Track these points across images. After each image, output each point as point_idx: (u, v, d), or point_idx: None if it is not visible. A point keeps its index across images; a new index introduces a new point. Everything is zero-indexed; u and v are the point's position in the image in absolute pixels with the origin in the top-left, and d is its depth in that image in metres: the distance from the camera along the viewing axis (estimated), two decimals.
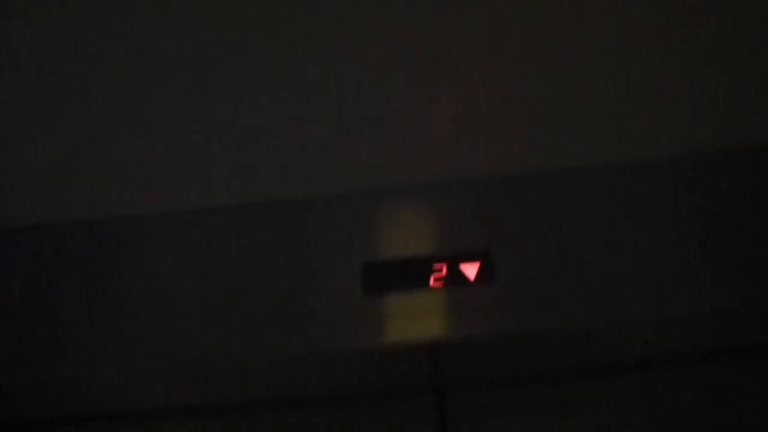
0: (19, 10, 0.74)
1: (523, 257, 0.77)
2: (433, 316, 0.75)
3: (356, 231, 0.81)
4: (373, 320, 0.74)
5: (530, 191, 0.81)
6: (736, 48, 0.79)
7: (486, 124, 0.81)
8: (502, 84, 0.80)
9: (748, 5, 0.76)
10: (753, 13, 0.76)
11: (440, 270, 0.77)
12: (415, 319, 0.75)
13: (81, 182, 0.83)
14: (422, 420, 0.74)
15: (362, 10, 0.76)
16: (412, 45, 0.79)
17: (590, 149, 0.83)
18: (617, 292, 0.74)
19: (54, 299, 0.78)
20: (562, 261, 0.77)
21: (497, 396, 0.75)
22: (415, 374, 0.75)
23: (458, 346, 0.73)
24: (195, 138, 0.81)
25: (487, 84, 0.80)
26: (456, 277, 0.76)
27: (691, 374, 0.76)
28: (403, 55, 0.79)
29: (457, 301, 0.75)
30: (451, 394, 0.76)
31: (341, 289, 0.76)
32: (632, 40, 0.79)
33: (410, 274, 0.77)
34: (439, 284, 0.76)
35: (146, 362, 0.74)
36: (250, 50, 0.78)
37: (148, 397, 0.77)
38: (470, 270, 0.77)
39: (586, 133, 0.82)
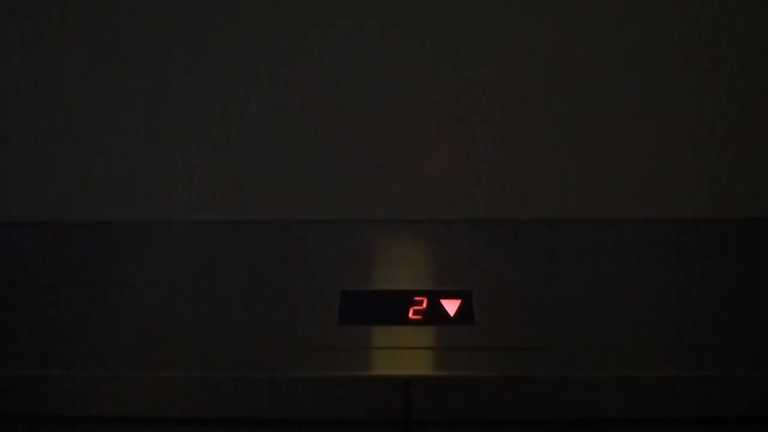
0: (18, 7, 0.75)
1: (505, 301, 0.77)
2: (409, 351, 0.74)
3: (339, 259, 0.81)
4: (347, 350, 0.73)
5: (519, 237, 0.82)
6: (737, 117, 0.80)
7: (481, 166, 0.82)
8: (499, 130, 0.81)
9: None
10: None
11: (420, 303, 0.76)
12: (391, 351, 0.74)
13: (82, 184, 0.84)
14: None
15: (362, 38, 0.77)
16: (409, 79, 0.80)
17: (583, 203, 0.84)
18: (597, 346, 0.73)
19: (49, 299, 0.78)
20: (544, 310, 0.76)
21: None
22: (385, 407, 0.73)
23: (431, 383, 0.72)
24: (193, 151, 0.82)
25: (485, 128, 0.81)
26: (436, 312, 0.76)
27: None
28: (402, 89, 0.80)
29: (435, 337, 0.75)
30: (419, 430, 0.74)
31: (319, 316, 0.76)
32: (631, 98, 0.80)
33: (389, 305, 0.76)
34: (418, 318, 0.75)
35: (126, 371, 0.73)
36: (248, 69, 0.79)
37: (127, 405, 0.75)
38: (451, 307, 0.76)
39: (581, 187, 0.83)
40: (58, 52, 0.79)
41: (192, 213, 0.84)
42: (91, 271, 0.80)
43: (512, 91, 0.80)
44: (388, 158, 0.82)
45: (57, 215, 0.84)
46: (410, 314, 0.76)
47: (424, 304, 0.76)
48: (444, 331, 0.75)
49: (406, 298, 0.77)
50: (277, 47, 0.78)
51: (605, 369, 0.72)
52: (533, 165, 0.82)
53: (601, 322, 0.75)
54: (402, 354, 0.73)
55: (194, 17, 0.77)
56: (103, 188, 0.84)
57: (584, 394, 0.73)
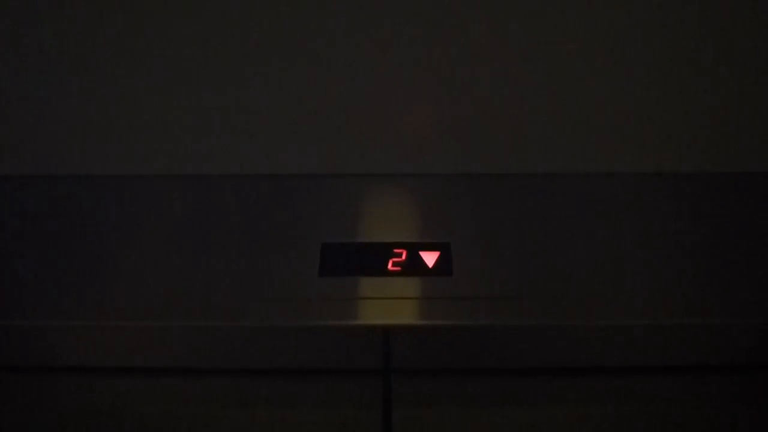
0: None
1: (483, 253, 0.78)
2: (388, 301, 0.75)
3: (319, 212, 0.81)
4: (328, 301, 0.75)
5: (497, 191, 0.83)
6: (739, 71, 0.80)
7: (459, 121, 0.82)
8: (480, 80, 0.81)
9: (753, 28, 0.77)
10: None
11: (399, 255, 0.77)
12: (370, 303, 0.75)
13: (73, 138, 0.84)
14: (368, 400, 0.74)
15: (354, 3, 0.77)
16: (395, 35, 0.80)
17: (562, 157, 0.85)
18: (573, 296, 0.75)
19: (38, 252, 0.79)
20: (521, 262, 0.78)
21: (442, 384, 0.75)
22: (365, 356, 0.75)
23: (410, 332, 0.74)
24: (180, 105, 0.82)
25: (462, 82, 0.81)
26: (414, 264, 0.77)
27: (633, 385, 0.76)
28: (388, 47, 0.81)
29: (413, 288, 0.76)
30: (398, 378, 0.76)
31: (299, 268, 0.77)
32: (627, 49, 0.81)
33: (369, 257, 0.78)
34: (397, 269, 0.77)
35: (111, 320, 0.74)
36: (241, 31, 0.79)
37: (105, 355, 0.76)
38: (429, 259, 0.77)
39: (559, 141, 0.84)
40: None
41: (176, 167, 0.84)
42: (78, 223, 0.81)
43: (492, 43, 0.80)
44: (367, 113, 0.83)
45: (47, 169, 0.84)
46: (389, 266, 0.77)
47: (404, 256, 0.77)
48: (423, 282, 0.76)
49: (386, 251, 0.78)
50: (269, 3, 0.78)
51: (581, 318, 0.74)
52: (512, 119, 0.83)
53: (578, 273, 0.77)
54: (381, 304, 0.75)
55: None
56: (91, 142, 0.84)
57: (560, 342, 0.75)
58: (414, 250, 0.78)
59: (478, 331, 0.74)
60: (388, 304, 0.75)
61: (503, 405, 0.75)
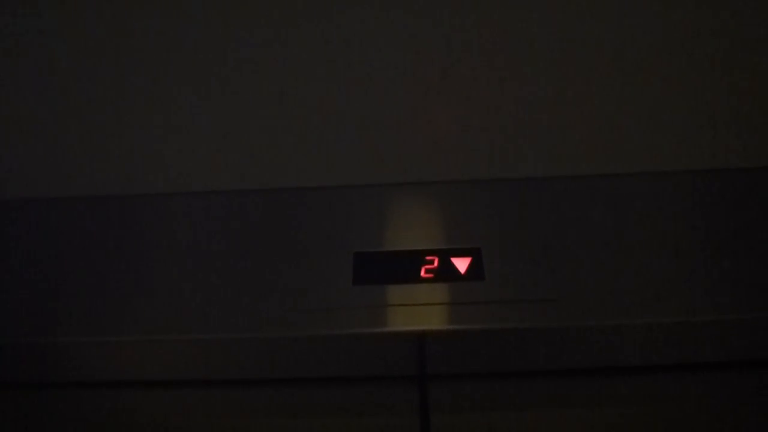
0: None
1: (514, 257, 0.79)
2: (422, 307, 0.76)
3: (351, 223, 0.82)
4: (362, 308, 0.75)
5: (527, 195, 0.84)
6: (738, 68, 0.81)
7: (488, 126, 0.83)
8: (504, 87, 0.82)
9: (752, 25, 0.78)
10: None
11: (432, 262, 0.78)
12: (404, 309, 0.76)
13: (91, 160, 0.86)
14: (405, 407, 0.75)
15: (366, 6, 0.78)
16: (420, 44, 0.81)
17: (590, 158, 0.85)
18: (605, 296, 0.75)
19: (59, 272, 0.81)
20: (552, 263, 0.78)
21: (478, 389, 0.75)
22: (401, 363, 0.76)
23: (444, 337, 0.74)
24: (202, 122, 0.84)
25: (489, 86, 0.82)
26: (447, 270, 0.78)
27: (682, 383, 0.77)
28: (410, 54, 0.81)
29: (446, 294, 0.77)
30: (434, 384, 0.76)
31: (333, 278, 0.78)
32: (638, 51, 0.81)
33: (401, 265, 0.78)
34: (430, 276, 0.77)
35: (144, 336, 0.76)
36: (249, 41, 0.80)
37: (140, 369, 0.78)
38: (461, 264, 0.78)
39: (587, 142, 0.84)
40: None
41: (207, 184, 0.86)
42: (105, 244, 0.83)
43: (515, 51, 0.81)
44: (394, 122, 0.84)
45: (58, 191, 0.86)
46: (422, 273, 0.78)
47: (436, 263, 0.78)
48: (455, 287, 0.77)
49: (418, 258, 0.79)
50: (276, 12, 0.80)
51: (614, 318, 0.74)
52: (535, 124, 0.83)
53: (608, 274, 0.77)
54: (415, 311, 0.75)
55: None
56: (115, 164, 0.86)
57: (594, 343, 0.75)
58: (445, 256, 0.78)
59: (512, 335, 0.74)
60: (421, 311, 0.75)
61: (539, 407, 0.75)
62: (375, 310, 0.75)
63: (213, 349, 0.76)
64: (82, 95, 0.84)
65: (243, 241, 0.82)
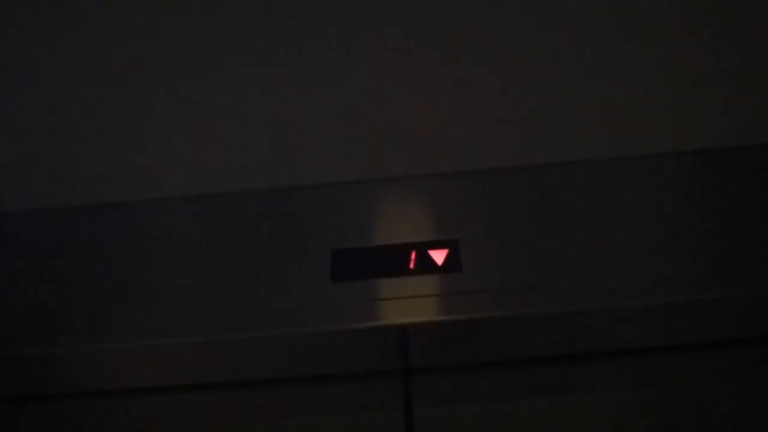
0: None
1: (491, 247, 0.79)
2: (402, 301, 0.76)
3: (329, 221, 0.82)
4: (342, 305, 0.75)
5: (503, 185, 0.83)
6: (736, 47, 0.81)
7: (461, 117, 0.83)
8: (476, 79, 0.82)
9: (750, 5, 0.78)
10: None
11: (409, 255, 0.78)
12: (384, 304, 0.76)
13: (76, 171, 0.85)
14: (389, 401, 0.75)
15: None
16: (399, 39, 0.81)
17: (565, 145, 0.85)
18: (584, 282, 0.75)
19: (52, 283, 0.80)
20: (531, 252, 0.78)
21: (462, 380, 0.76)
22: (383, 357, 0.76)
23: (426, 330, 0.74)
24: (184, 128, 0.83)
25: (462, 79, 0.82)
26: (424, 263, 0.78)
27: (669, 365, 0.77)
28: (389, 49, 0.81)
29: (425, 287, 0.77)
30: (418, 377, 0.76)
31: (311, 276, 0.78)
32: (625, 35, 0.81)
33: (379, 260, 0.78)
34: (408, 269, 0.77)
35: (134, 342, 0.75)
36: (236, 39, 0.80)
37: (129, 376, 0.77)
38: (438, 257, 0.78)
39: (563, 130, 0.85)
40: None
41: (185, 188, 0.85)
42: (92, 252, 0.82)
43: (494, 41, 0.81)
44: (367, 116, 0.84)
45: (51, 202, 0.85)
46: (400, 267, 0.78)
47: (413, 256, 0.78)
48: (434, 280, 0.77)
49: (395, 252, 0.78)
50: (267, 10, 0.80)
51: (596, 302, 0.74)
52: (511, 113, 0.84)
53: (588, 259, 0.77)
54: (394, 304, 0.75)
55: None
56: (97, 172, 0.86)
57: (576, 328, 0.75)
58: (423, 249, 0.79)
59: (492, 324, 0.74)
60: (401, 304, 0.75)
61: (524, 396, 0.75)
62: (354, 306, 0.75)
63: (190, 354, 0.75)
64: (59, 101, 0.84)
65: (223, 243, 0.81)
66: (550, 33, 0.81)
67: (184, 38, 0.83)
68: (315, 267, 0.78)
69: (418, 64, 0.83)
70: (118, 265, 0.80)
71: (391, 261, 0.78)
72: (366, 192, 0.85)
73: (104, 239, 0.83)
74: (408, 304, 0.75)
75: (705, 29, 0.82)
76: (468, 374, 0.76)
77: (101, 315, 0.77)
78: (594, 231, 0.79)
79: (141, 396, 0.77)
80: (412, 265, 0.78)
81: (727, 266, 0.76)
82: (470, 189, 0.83)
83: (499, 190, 0.83)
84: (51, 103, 0.84)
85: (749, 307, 0.75)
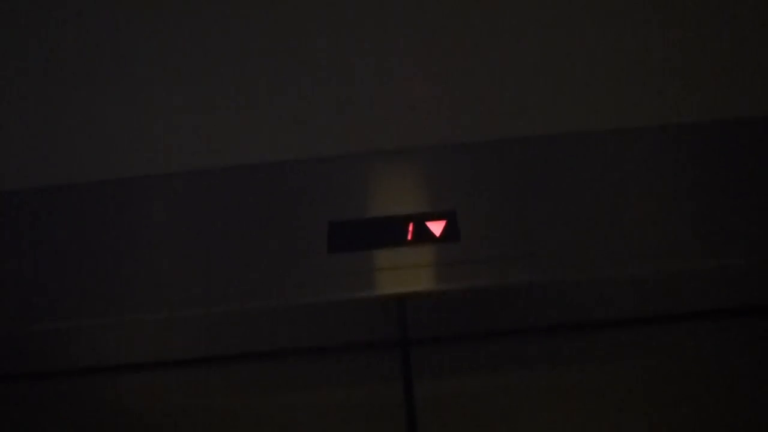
0: None
1: (489, 218, 0.78)
2: (399, 271, 0.75)
3: (326, 194, 0.82)
4: (340, 276, 0.75)
5: (500, 156, 0.83)
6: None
7: (459, 87, 0.83)
8: (474, 48, 0.82)
9: None
10: None
11: (407, 227, 0.78)
12: (382, 274, 0.75)
13: (77, 146, 0.84)
14: (388, 372, 0.74)
15: None
16: (392, 8, 0.80)
17: (562, 116, 0.85)
18: (584, 250, 0.75)
19: (54, 258, 0.79)
20: (527, 222, 0.78)
21: (461, 350, 0.75)
22: (381, 328, 0.75)
23: (424, 300, 0.74)
24: (180, 103, 0.83)
25: (459, 47, 0.82)
26: (422, 234, 0.77)
27: (671, 335, 0.76)
28: (379, 17, 0.81)
29: (423, 257, 0.76)
30: (417, 347, 0.76)
31: (309, 248, 0.77)
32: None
33: (377, 231, 0.78)
34: (406, 240, 0.77)
35: (132, 315, 0.74)
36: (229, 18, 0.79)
37: (126, 351, 0.77)
38: (436, 228, 0.78)
39: (560, 100, 0.84)
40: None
41: (175, 164, 0.84)
42: (91, 228, 0.81)
43: (486, 8, 0.81)
44: (363, 89, 0.83)
45: (50, 179, 0.84)
46: (398, 238, 0.77)
47: (411, 228, 0.77)
48: (432, 250, 0.76)
49: (393, 224, 0.78)
50: None
51: (596, 271, 0.74)
52: (507, 84, 0.83)
53: (584, 230, 0.77)
54: (393, 275, 0.75)
55: None
56: (94, 148, 0.85)
57: (575, 297, 0.75)
58: (420, 220, 0.78)
59: (491, 293, 0.74)
60: (399, 275, 0.75)
61: (524, 366, 0.75)
62: (352, 277, 0.74)
63: (189, 327, 0.74)
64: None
65: (218, 218, 0.80)
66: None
67: (171, 11, 0.82)
68: (312, 239, 0.77)
69: (412, 35, 0.82)
70: (112, 242, 0.80)
71: (388, 232, 0.78)
72: (362, 165, 0.84)
73: (97, 217, 0.82)
74: (406, 274, 0.75)
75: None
76: (468, 345, 0.76)
77: (98, 291, 0.76)
78: (591, 201, 0.79)
79: (138, 371, 0.76)
80: (410, 237, 0.77)
81: (724, 236, 0.76)
82: (467, 161, 0.83)
83: (497, 161, 0.83)
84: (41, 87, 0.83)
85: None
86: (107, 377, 0.77)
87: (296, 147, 0.85)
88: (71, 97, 0.84)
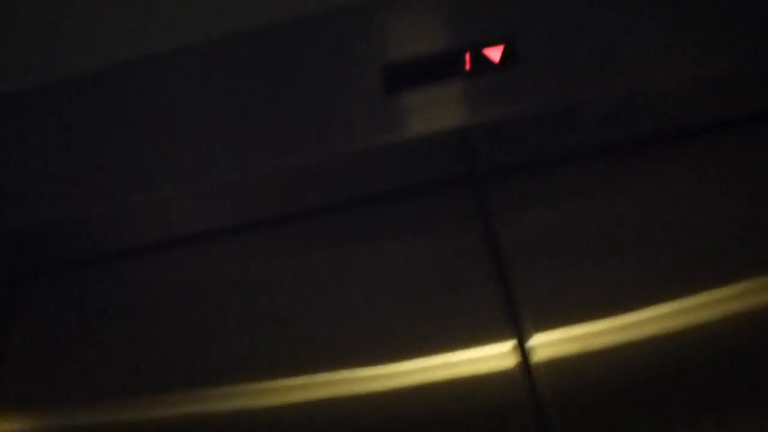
0: None
1: (547, 38, 0.74)
2: (461, 103, 0.72)
3: (374, 36, 0.78)
4: (401, 115, 0.72)
5: None
6: None
7: None
8: None
9: None
10: None
11: (463, 57, 0.74)
12: (443, 108, 0.73)
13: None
14: (462, 209, 0.73)
15: None
16: None
17: None
18: (638, 62, 0.71)
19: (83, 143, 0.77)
20: (584, 40, 0.73)
21: (533, 178, 0.73)
22: (449, 164, 0.73)
23: (489, 129, 0.71)
24: None
25: None
26: (480, 62, 0.74)
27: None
28: None
29: (484, 86, 0.73)
30: (488, 180, 0.74)
31: (365, 91, 0.74)
32: None
33: (433, 66, 0.75)
34: (464, 70, 0.73)
35: (179, 186, 0.74)
36: None
37: (181, 221, 0.77)
38: (494, 54, 0.74)
39: None
40: None
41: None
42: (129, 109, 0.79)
43: None
44: None
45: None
46: (456, 70, 0.74)
47: (468, 57, 0.74)
48: (492, 77, 0.73)
49: (448, 56, 0.74)
50: None
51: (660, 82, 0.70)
52: None
53: (646, 42, 0.72)
54: (455, 108, 0.72)
55: None
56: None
57: (643, 109, 0.71)
58: (477, 48, 0.74)
59: (555, 115, 0.71)
60: (462, 107, 0.72)
61: (604, 188, 0.73)
62: (413, 115, 0.72)
63: (253, 182, 0.73)
64: None
65: (270, 70, 0.77)
66: None
67: None
68: (367, 82, 0.75)
69: None
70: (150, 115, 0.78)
71: (445, 65, 0.74)
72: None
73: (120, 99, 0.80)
74: (468, 105, 0.72)
75: None
76: (540, 172, 0.74)
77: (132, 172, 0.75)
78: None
79: (202, 240, 0.76)
80: (467, 67, 0.74)
81: None
82: None
83: None
84: None
85: None
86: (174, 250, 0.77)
87: None
88: None
